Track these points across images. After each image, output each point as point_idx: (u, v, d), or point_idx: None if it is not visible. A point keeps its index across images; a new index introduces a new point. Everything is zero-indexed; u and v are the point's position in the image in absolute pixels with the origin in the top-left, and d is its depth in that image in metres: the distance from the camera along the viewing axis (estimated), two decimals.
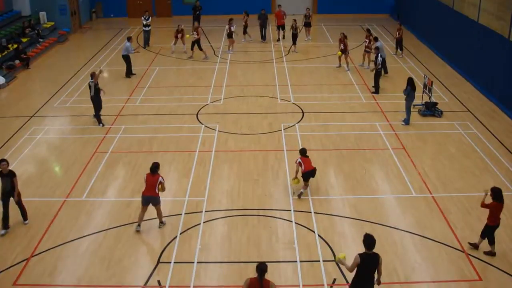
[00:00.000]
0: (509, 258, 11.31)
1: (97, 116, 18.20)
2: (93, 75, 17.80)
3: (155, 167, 12.20)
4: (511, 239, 11.91)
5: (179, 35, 26.74)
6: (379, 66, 20.72)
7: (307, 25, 29.26)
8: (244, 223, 12.62)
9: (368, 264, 9.02)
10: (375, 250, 9.09)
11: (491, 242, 11.35)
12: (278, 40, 29.47)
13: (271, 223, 12.66)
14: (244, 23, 28.89)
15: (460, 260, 11.28)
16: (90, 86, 17.82)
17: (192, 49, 26.06)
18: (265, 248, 11.71)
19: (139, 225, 12.34)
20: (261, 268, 8.68)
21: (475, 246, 11.53)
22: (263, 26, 29.41)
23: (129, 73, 23.45)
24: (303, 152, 13.93)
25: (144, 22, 28.35)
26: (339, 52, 23.77)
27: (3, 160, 12.29)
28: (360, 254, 9.04)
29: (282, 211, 13.09)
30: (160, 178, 12.15)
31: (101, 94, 18.18)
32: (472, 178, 14.65)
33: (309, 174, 13.68)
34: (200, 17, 30.27)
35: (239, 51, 27.54)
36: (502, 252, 11.44)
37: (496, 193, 11.06)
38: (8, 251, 11.69)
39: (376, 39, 23.20)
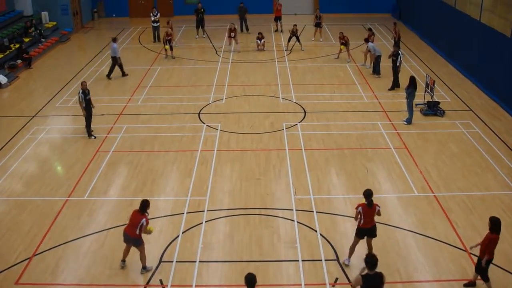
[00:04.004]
0: (510, 257, 11.28)
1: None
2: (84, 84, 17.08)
3: (143, 206, 10.50)
4: None
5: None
6: (398, 64, 20.95)
7: (318, 25, 29.24)
8: (246, 222, 12.62)
9: (371, 285, 8.62)
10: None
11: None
12: (276, 31, 31.31)
13: (273, 222, 12.66)
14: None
15: (462, 259, 11.26)
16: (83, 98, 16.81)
17: (171, 49, 25.62)
18: (267, 247, 11.71)
19: (123, 260, 11.07)
20: (250, 278, 8.59)
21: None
22: (242, 18, 31.02)
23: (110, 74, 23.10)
24: (368, 195, 10.65)
25: (153, 18, 28.72)
26: (342, 46, 25.03)
27: None
28: (362, 275, 8.61)
29: (284, 210, 13.08)
30: (143, 220, 10.46)
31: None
32: (474, 177, 14.62)
33: (365, 232, 10.91)
34: (204, 19, 30.21)
35: (239, 50, 27.52)
36: (504, 251, 11.39)
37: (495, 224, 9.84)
38: (10, 250, 11.71)
39: (366, 41, 23.67)
